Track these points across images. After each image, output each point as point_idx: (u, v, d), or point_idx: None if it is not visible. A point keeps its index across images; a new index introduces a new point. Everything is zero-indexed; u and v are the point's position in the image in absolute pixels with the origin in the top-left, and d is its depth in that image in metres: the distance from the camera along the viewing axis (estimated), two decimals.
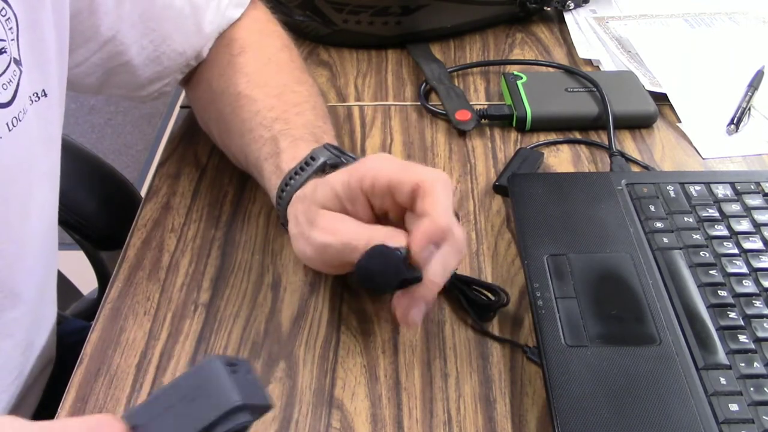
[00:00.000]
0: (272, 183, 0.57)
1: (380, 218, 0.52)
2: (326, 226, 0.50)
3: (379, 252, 0.47)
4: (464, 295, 0.56)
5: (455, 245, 0.48)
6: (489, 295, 0.56)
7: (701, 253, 0.56)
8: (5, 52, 0.49)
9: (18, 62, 0.50)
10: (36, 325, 0.61)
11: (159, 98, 0.69)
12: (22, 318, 0.57)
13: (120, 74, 0.64)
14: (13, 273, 0.54)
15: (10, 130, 0.49)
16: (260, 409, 0.35)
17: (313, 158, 0.55)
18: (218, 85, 0.65)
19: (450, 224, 0.47)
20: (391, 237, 0.48)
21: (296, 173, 0.55)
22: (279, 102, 0.61)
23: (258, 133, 0.59)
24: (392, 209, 0.50)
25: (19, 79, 0.50)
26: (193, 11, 0.64)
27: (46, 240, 0.59)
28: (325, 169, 0.54)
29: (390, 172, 0.49)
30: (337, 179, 0.51)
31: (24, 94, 0.51)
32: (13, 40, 0.50)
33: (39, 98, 0.53)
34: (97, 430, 0.33)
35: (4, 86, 0.49)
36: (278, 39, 0.69)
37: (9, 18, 0.49)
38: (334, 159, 0.54)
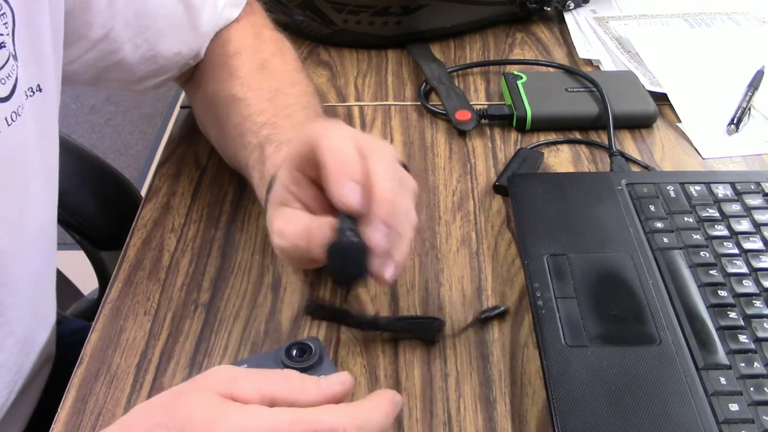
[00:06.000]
0: (260, 191, 0.57)
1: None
2: (277, 229, 0.50)
3: (335, 251, 0.46)
4: (404, 330, 0.54)
5: (378, 152, 0.46)
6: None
7: (701, 253, 0.56)
8: (4, 46, 0.49)
9: (15, 57, 0.50)
10: (35, 321, 0.61)
11: (157, 90, 0.69)
12: (22, 314, 0.57)
13: (114, 71, 0.64)
14: (12, 268, 0.54)
15: (9, 125, 0.49)
16: None
17: None
18: (213, 88, 0.65)
19: (344, 149, 0.45)
20: (328, 223, 0.47)
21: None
22: (270, 105, 0.61)
23: (247, 140, 0.59)
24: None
25: (16, 74, 0.50)
26: (188, 11, 0.64)
27: (45, 236, 0.59)
28: None
29: (300, 147, 0.48)
30: (282, 167, 0.50)
31: (20, 89, 0.51)
32: (8, 35, 0.50)
33: (34, 93, 0.53)
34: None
35: (3, 81, 0.49)
36: (272, 42, 0.68)
37: (5, 13, 0.49)
38: None
